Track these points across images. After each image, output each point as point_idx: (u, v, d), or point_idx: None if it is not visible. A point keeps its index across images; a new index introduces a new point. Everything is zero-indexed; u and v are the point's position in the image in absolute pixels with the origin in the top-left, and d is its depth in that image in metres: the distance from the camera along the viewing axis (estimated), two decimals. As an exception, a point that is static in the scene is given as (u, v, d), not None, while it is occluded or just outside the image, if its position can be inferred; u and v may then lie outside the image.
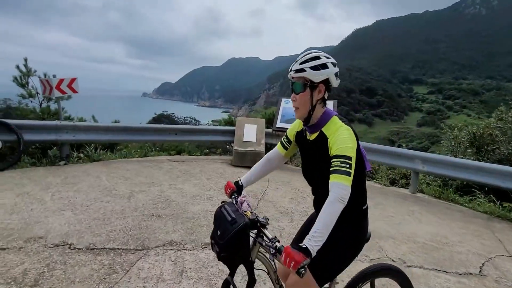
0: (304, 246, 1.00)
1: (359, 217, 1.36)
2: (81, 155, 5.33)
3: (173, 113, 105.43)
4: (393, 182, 5.71)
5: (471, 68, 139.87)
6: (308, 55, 1.24)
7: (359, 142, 1.25)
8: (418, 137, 76.79)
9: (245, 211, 1.22)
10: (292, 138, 1.48)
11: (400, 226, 3.47)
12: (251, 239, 1.19)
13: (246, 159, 5.63)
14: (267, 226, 1.20)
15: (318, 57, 1.22)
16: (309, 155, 1.36)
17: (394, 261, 2.66)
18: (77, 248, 2.41)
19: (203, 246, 2.58)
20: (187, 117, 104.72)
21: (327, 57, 1.24)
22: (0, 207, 3.00)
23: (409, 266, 2.62)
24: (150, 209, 3.26)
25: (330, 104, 6.35)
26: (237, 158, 5.63)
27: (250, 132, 5.99)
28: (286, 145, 1.51)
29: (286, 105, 6.60)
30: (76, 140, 5.00)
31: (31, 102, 6.16)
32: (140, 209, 3.23)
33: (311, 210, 3.70)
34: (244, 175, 1.51)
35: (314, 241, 1.00)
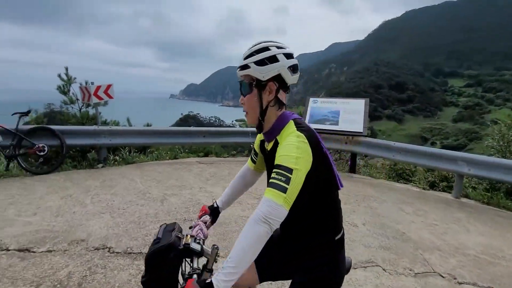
0: (208, 280, 0.80)
1: (332, 252, 1.07)
2: (117, 157, 5.60)
3: (198, 114, 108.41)
4: (432, 186, 5.31)
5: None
6: (254, 47, 1.00)
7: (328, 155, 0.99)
8: (454, 133, 71.71)
9: (186, 235, 1.01)
10: (257, 149, 1.25)
11: (446, 235, 3.19)
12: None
13: (274, 161, 5.54)
14: (207, 257, 0.97)
15: (266, 48, 0.98)
16: (268, 167, 1.13)
17: (443, 277, 2.44)
18: (116, 252, 2.48)
19: (236, 254, 2.54)
20: (212, 117, 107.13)
21: (279, 47, 1.00)
22: (47, 210, 3.21)
23: (460, 283, 2.38)
24: (183, 213, 3.30)
25: (361, 103, 6.07)
26: (264, 160, 5.56)
27: (278, 133, 5.89)
28: (254, 157, 1.30)
29: (314, 105, 6.41)
30: (112, 144, 5.25)
31: (72, 108, 6.58)
32: (173, 213, 3.28)
33: (344, 216, 3.54)
34: (220, 197, 1.35)
35: (223, 274, 0.79)
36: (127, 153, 5.73)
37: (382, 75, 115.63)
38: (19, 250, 2.44)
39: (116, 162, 5.43)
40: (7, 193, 3.65)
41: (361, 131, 5.75)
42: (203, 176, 4.79)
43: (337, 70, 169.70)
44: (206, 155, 6.97)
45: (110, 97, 5.65)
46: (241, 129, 6.22)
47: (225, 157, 6.62)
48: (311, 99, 6.53)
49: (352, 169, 6.08)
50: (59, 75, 6.40)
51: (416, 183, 5.44)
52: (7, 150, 4.34)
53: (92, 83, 5.46)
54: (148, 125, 6.74)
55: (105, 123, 6.37)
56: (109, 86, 5.57)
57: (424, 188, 5.23)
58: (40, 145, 4.53)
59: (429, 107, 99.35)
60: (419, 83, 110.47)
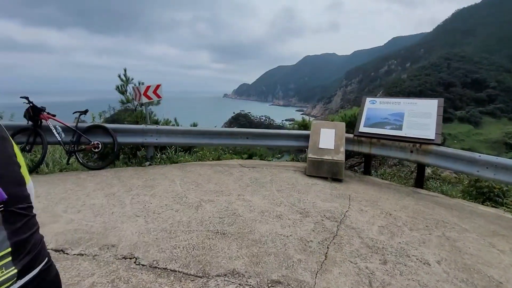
0: None
1: None
2: (164, 156, 5.70)
3: (249, 112, 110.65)
4: (535, 213, 4.06)
5: None
6: None
7: None
8: (554, 142, 58.82)
9: None
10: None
11: None
12: None
13: (322, 169, 4.96)
14: None
15: None
16: None
17: None
18: (141, 264, 2.31)
19: (269, 285, 2.13)
20: (262, 116, 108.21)
21: None
22: (90, 208, 3.27)
23: None
24: (216, 224, 3.02)
25: (433, 104, 5.08)
26: (311, 167, 5.01)
27: (327, 137, 5.27)
28: None
29: (372, 106, 5.59)
30: (158, 143, 5.34)
31: (129, 107, 6.99)
32: (206, 223, 3.03)
33: (411, 247, 2.81)
34: None
35: None
36: (173, 152, 5.80)
37: (455, 71, 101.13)
38: (55, 250, 2.44)
39: (162, 161, 5.53)
40: (62, 187, 3.90)
41: (432, 138, 4.77)
42: (243, 181, 4.49)
43: (398, 67, 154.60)
44: (250, 157, 6.71)
45: (158, 96, 5.78)
46: (286, 131, 5.77)
47: (268, 161, 6.26)
48: (368, 99, 5.71)
49: (419, 183, 5.11)
50: (119, 76, 6.85)
51: (510, 208, 4.25)
52: (68, 146, 4.70)
53: (142, 83, 5.65)
54: (194, 125, 6.78)
55: (156, 122, 6.60)
56: (158, 86, 5.69)
57: (521, 215, 4.04)
58: (95, 142, 4.81)
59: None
60: (504, 81, 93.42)
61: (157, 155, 5.57)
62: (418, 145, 4.86)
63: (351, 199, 4.03)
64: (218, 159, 6.07)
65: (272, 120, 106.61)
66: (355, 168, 6.89)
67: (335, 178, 4.93)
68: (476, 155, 4.28)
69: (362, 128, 5.39)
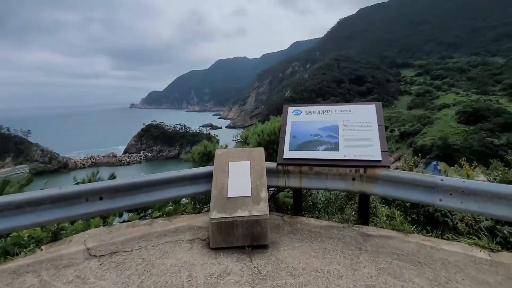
0: None
1: None
2: None
3: (162, 122, 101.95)
4: (505, 243, 3.11)
5: (456, 46, 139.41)
6: None
7: None
8: (409, 120, 75.33)
9: None
10: None
11: None
12: None
13: (234, 235, 2.95)
14: None
15: None
16: None
17: None
18: None
19: None
20: (177, 124, 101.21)
21: None
22: None
23: None
24: None
25: (370, 109, 3.78)
26: (217, 235, 2.95)
27: (240, 176, 3.32)
28: None
29: (297, 118, 3.95)
30: None
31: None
32: None
33: None
34: None
35: None
36: None
37: (343, 70, 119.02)
38: None
39: None
40: None
41: (378, 158, 3.42)
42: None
43: (301, 68, 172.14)
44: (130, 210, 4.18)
45: None
46: (174, 174, 3.46)
47: (154, 219, 3.87)
48: (290, 109, 4.04)
49: (364, 217, 3.73)
50: None
51: (473, 240, 3.21)
52: None
53: None
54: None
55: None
56: None
57: (493, 250, 3.04)
58: None
59: (387, 97, 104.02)
60: (376, 75, 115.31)
61: None
62: (362, 170, 3.44)
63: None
64: (54, 238, 3.33)
65: (188, 127, 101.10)
66: (275, 197, 5.16)
67: (257, 244, 3.01)
68: (437, 179, 3.08)
69: (287, 153, 3.67)
